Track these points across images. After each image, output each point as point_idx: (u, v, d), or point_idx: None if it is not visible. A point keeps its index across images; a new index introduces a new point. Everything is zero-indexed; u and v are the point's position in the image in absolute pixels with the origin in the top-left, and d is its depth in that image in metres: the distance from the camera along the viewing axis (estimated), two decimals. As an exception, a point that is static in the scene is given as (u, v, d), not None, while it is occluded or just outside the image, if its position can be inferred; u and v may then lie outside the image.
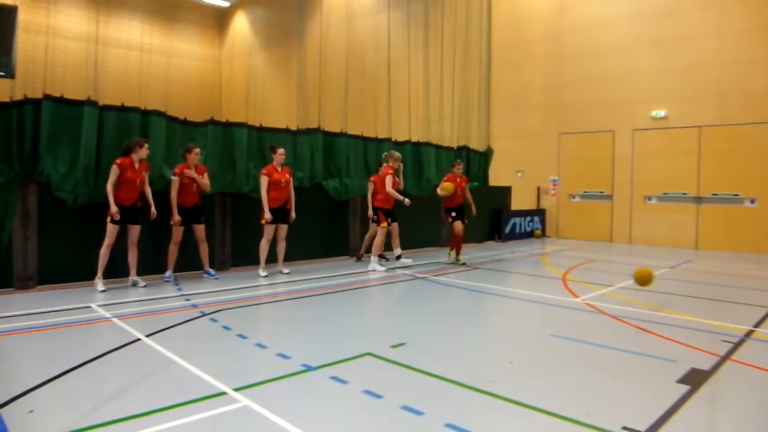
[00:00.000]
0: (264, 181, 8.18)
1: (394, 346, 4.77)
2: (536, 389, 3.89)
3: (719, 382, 4.06)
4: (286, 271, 8.61)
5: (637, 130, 14.14)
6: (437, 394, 3.75)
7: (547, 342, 5.18)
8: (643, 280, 7.05)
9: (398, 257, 9.75)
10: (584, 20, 15.03)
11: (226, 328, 5.30)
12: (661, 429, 3.23)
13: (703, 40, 12.94)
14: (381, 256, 10.00)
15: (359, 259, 10.15)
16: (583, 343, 5.07)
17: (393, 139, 11.82)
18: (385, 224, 9.08)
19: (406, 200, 9.13)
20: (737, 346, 5.01)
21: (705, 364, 4.43)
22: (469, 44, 14.33)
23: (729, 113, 12.66)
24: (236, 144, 8.96)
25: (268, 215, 8.12)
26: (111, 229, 6.89)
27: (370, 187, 9.79)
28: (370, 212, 9.75)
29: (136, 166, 7.05)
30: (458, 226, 9.69)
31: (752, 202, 12.42)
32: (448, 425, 3.20)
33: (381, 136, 11.65)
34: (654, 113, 13.77)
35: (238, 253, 8.87)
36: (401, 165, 9.63)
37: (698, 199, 13.17)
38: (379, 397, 3.62)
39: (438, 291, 7.56)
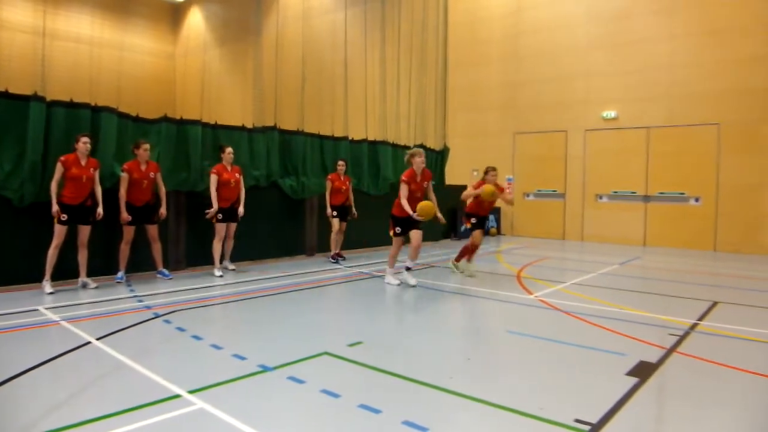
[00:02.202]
0: (213, 179, 8.14)
1: (351, 345, 4.78)
2: (492, 385, 3.96)
3: (666, 374, 4.22)
4: (231, 267, 8.67)
5: (588, 131, 14.52)
6: (395, 392, 3.77)
7: (502, 338, 5.28)
8: (426, 211, 7.29)
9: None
10: (540, 21, 15.33)
11: (181, 329, 5.20)
12: (612, 420, 3.33)
13: (654, 43, 13.39)
14: (338, 255, 9.96)
15: (336, 258, 9.91)
16: (537, 338, 5.19)
17: (350, 138, 11.82)
18: (392, 233, 7.84)
19: (440, 217, 7.64)
20: (683, 338, 5.21)
21: (653, 356, 4.59)
22: (425, 43, 14.42)
23: (676, 114, 13.15)
24: (191, 142, 8.79)
25: (214, 211, 8.09)
26: (59, 230, 6.67)
27: (329, 185, 9.78)
28: (328, 211, 9.73)
29: (83, 162, 6.82)
30: (478, 235, 8.54)
31: (696, 200, 12.93)
32: (406, 423, 3.23)
33: (338, 134, 11.62)
34: (605, 114, 14.18)
35: (192, 252, 8.70)
36: (423, 162, 7.88)
37: (646, 198, 13.63)
38: (336, 396, 3.62)
39: (395, 289, 7.59)
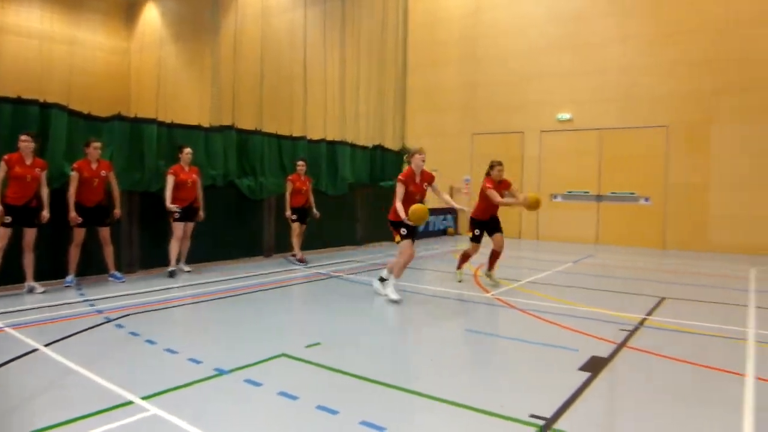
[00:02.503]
0: (170, 180, 8.04)
1: (309, 346, 4.76)
2: (449, 383, 4.00)
3: (617, 368, 4.35)
4: (187, 269, 8.53)
5: (544, 132, 14.82)
6: (353, 392, 3.78)
7: (459, 337, 5.34)
8: (418, 215, 6.25)
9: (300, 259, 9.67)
10: (498, 23, 15.56)
11: (134, 333, 5.07)
12: (565, 414, 3.43)
13: (607, 46, 13.77)
14: (301, 260, 9.73)
15: (302, 261, 9.71)
16: (494, 336, 5.28)
17: (308, 138, 11.75)
18: (398, 238, 6.78)
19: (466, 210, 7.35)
20: (632, 333, 5.38)
21: (604, 351, 4.73)
22: (385, 44, 14.46)
23: (627, 116, 13.56)
24: (145, 141, 8.59)
25: (171, 207, 8.00)
26: (2, 232, 6.39)
27: (289, 186, 9.62)
28: (287, 213, 9.57)
29: (27, 162, 6.58)
30: (475, 248, 8.03)
31: (646, 200, 13.36)
32: (364, 423, 3.23)
33: (296, 134, 11.54)
34: (559, 116, 14.50)
35: (146, 254, 8.49)
36: (423, 160, 6.88)
37: (599, 198, 14.00)
38: (294, 398, 3.60)
39: (353, 290, 7.60)
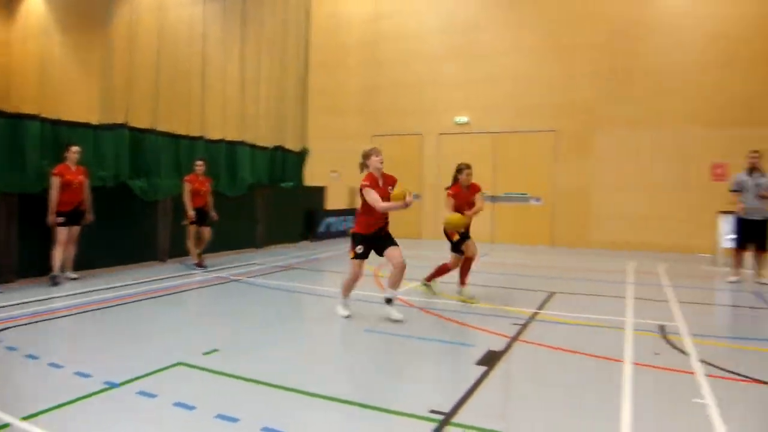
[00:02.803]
0: (55, 181, 7.51)
1: (206, 353, 4.62)
2: (350, 384, 4.05)
3: (511, 360, 4.59)
4: (73, 276, 7.99)
5: (442, 134, 15.29)
6: (253, 398, 3.72)
7: (361, 337, 5.39)
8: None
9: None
10: (397, 30, 15.89)
11: (11, 348, 4.68)
12: (463, 407, 3.57)
13: (501, 55, 14.48)
14: (199, 264, 9.36)
15: (201, 265, 9.28)
16: (394, 335, 5.37)
17: (206, 138, 11.38)
18: (352, 254, 5.93)
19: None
20: (524, 327, 5.70)
21: (499, 345, 4.97)
22: (286, 44, 14.30)
23: (519, 122, 14.31)
24: (27, 138, 7.96)
25: (52, 217, 7.49)
26: None
27: (186, 187, 9.22)
28: (191, 213, 9.16)
29: None
30: (471, 246, 7.07)
31: (537, 200, 14.16)
32: (265, 429, 3.19)
33: (194, 133, 11.14)
34: (457, 119, 15.04)
35: (26, 261, 7.84)
36: (381, 162, 5.93)
37: (494, 198, 14.63)
38: (191, 408, 3.48)
39: (253, 293, 7.46)
